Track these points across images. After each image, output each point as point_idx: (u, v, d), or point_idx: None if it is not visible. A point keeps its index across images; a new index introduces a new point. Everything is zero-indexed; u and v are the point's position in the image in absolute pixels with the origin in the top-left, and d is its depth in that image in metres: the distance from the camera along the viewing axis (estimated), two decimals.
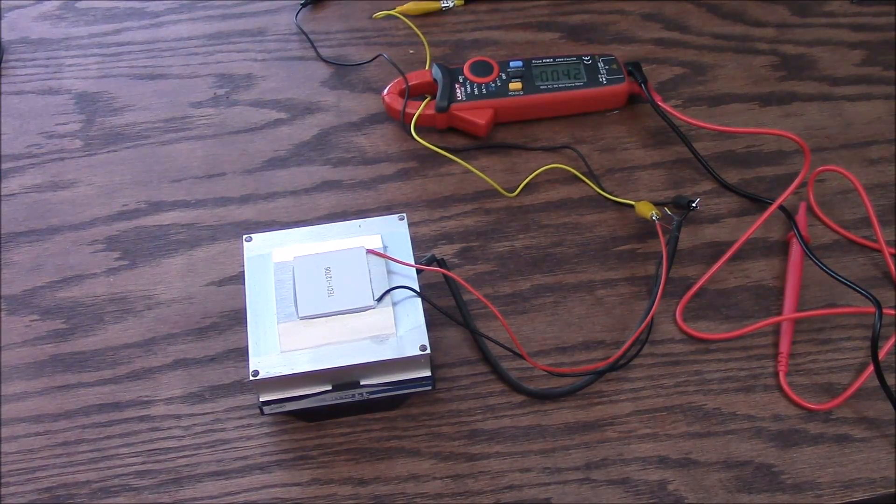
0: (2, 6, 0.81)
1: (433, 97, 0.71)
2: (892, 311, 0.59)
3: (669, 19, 0.81)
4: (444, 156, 0.69)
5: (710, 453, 0.56)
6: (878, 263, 0.65)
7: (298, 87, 0.75)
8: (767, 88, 0.75)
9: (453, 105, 0.70)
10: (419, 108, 0.70)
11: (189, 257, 0.65)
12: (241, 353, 0.60)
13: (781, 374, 0.59)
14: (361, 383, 0.53)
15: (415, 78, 0.72)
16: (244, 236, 0.57)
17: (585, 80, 0.72)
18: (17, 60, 0.77)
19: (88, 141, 0.71)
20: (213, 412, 0.58)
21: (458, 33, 0.79)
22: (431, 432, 0.57)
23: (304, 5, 0.81)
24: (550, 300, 0.63)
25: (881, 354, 0.59)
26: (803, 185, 0.68)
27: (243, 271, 0.56)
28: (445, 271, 0.57)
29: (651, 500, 0.54)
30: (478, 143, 0.71)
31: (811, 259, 0.62)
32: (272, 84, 0.75)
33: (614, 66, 0.73)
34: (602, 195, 0.68)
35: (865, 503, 0.55)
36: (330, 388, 0.53)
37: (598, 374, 0.59)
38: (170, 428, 0.57)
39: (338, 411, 0.56)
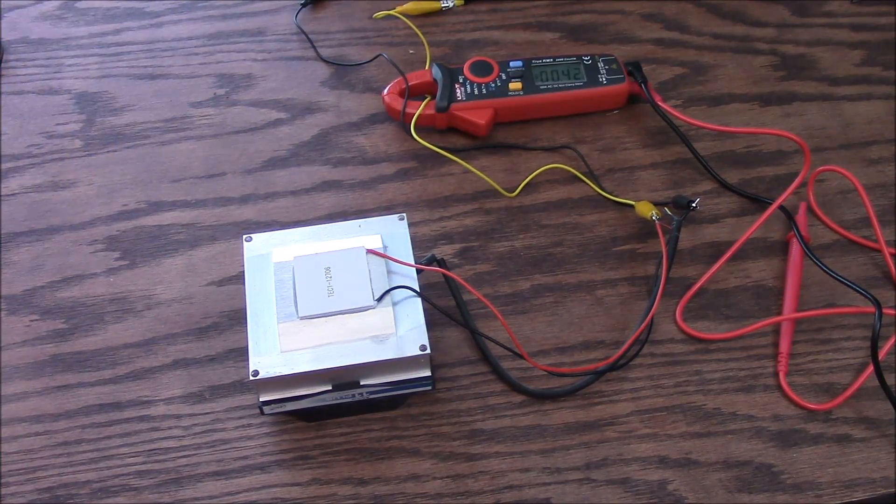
0: (2, 6, 0.81)
1: (433, 97, 0.71)
2: (892, 311, 0.59)
3: (669, 19, 0.81)
4: (444, 156, 0.69)
5: (710, 453, 0.56)
6: (878, 263, 0.65)
7: (298, 87, 0.75)
8: (767, 88, 0.75)
9: (453, 105, 0.70)
10: (419, 108, 0.70)
11: (189, 257, 0.65)
12: (241, 353, 0.60)
13: (781, 374, 0.59)
14: (361, 383, 0.53)
15: (415, 78, 0.72)
16: (244, 236, 0.57)
17: (585, 80, 0.72)
18: (17, 60, 0.77)
19: (88, 141, 0.71)
20: (213, 412, 0.58)
21: (458, 33, 0.79)
22: (431, 432, 0.57)
23: (304, 5, 0.81)
24: (550, 300, 0.63)
25: (881, 354, 0.59)
26: (803, 185, 0.68)
27: (243, 271, 0.56)
28: (445, 271, 0.57)
29: (651, 500, 0.54)
30: (478, 143, 0.71)
31: (811, 259, 0.62)
32: (272, 84, 0.75)
33: (614, 66, 0.73)
34: (602, 195, 0.68)
35: (865, 503, 0.55)
36: (330, 388, 0.53)
37: (598, 374, 0.59)
38: (170, 428, 0.57)
39: (338, 411, 0.56)
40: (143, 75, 0.76)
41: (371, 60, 0.76)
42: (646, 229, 0.66)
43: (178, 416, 0.57)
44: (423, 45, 0.76)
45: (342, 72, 0.76)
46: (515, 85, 0.71)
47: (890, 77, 0.76)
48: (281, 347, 0.52)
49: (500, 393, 0.59)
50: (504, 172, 0.70)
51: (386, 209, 0.67)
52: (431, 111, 0.70)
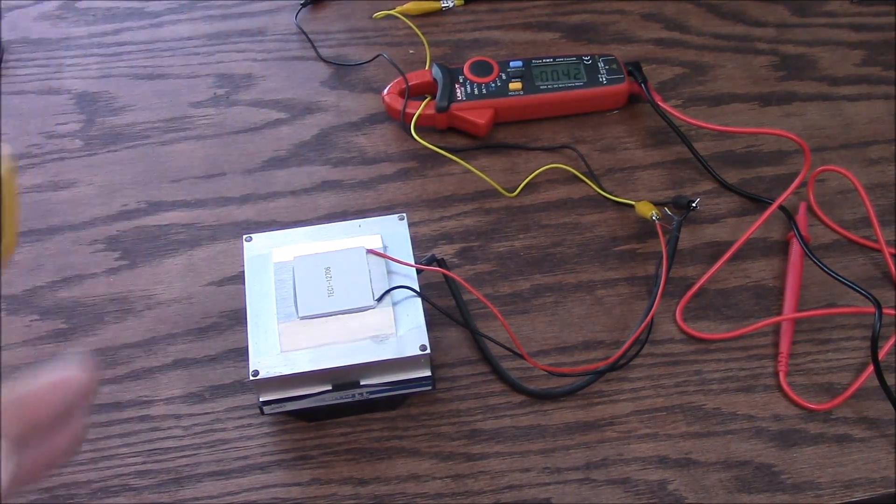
0: (2, 6, 0.81)
1: (433, 97, 0.71)
2: (892, 311, 0.59)
3: (669, 19, 0.81)
4: (444, 156, 0.69)
5: (710, 453, 0.56)
6: (878, 263, 0.65)
7: (298, 87, 0.75)
8: (767, 88, 0.75)
9: (453, 105, 0.70)
10: (419, 108, 0.70)
11: (189, 257, 0.65)
12: (241, 353, 0.60)
13: (781, 374, 0.59)
14: (361, 383, 0.53)
15: (415, 78, 0.72)
16: (244, 236, 0.57)
17: (585, 80, 0.72)
18: (17, 60, 0.77)
19: (88, 141, 0.71)
20: (213, 412, 0.58)
21: (458, 33, 0.79)
22: (431, 432, 0.57)
23: (304, 5, 0.81)
24: (550, 300, 0.63)
25: (881, 354, 0.59)
26: (803, 184, 0.68)
27: (243, 271, 0.56)
28: (445, 271, 0.57)
29: (651, 500, 0.54)
30: (478, 143, 0.71)
31: (811, 259, 0.62)
32: (272, 84, 0.75)
33: (614, 66, 0.73)
34: (602, 195, 0.68)
35: (865, 503, 0.55)
36: (330, 388, 0.53)
37: (599, 374, 0.59)
38: (170, 428, 0.57)
39: (338, 411, 0.56)
40: (143, 75, 0.76)
41: (371, 60, 0.76)
42: (646, 229, 0.66)
43: (178, 416, 0.57)
44: (423, 45, 0.76)
45: (342, 72, 0.76)
46: (515, 85, 0.71)
47: (890, 77, 0.76)
48: (281, 347, 0.52)
49: (500, 393, 0.59)
50: (504, 172, 0.70)
51: (386, 209, 0.67)
52: (431, 111, 0.70)
